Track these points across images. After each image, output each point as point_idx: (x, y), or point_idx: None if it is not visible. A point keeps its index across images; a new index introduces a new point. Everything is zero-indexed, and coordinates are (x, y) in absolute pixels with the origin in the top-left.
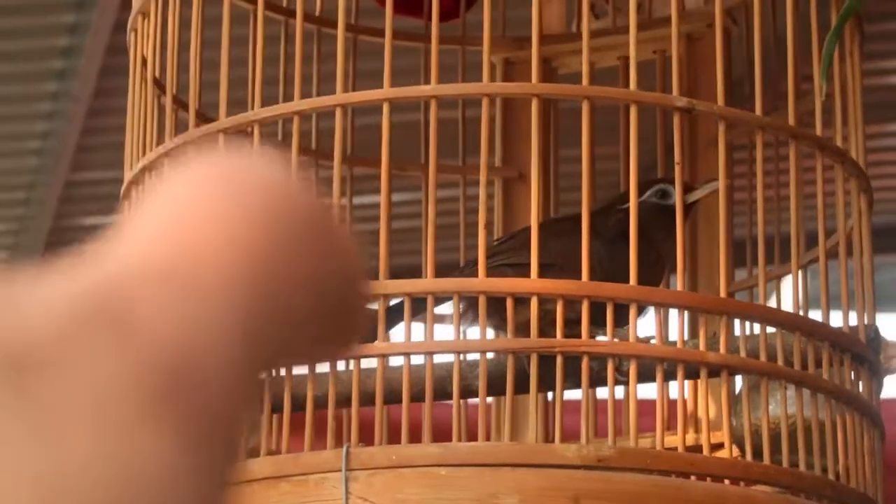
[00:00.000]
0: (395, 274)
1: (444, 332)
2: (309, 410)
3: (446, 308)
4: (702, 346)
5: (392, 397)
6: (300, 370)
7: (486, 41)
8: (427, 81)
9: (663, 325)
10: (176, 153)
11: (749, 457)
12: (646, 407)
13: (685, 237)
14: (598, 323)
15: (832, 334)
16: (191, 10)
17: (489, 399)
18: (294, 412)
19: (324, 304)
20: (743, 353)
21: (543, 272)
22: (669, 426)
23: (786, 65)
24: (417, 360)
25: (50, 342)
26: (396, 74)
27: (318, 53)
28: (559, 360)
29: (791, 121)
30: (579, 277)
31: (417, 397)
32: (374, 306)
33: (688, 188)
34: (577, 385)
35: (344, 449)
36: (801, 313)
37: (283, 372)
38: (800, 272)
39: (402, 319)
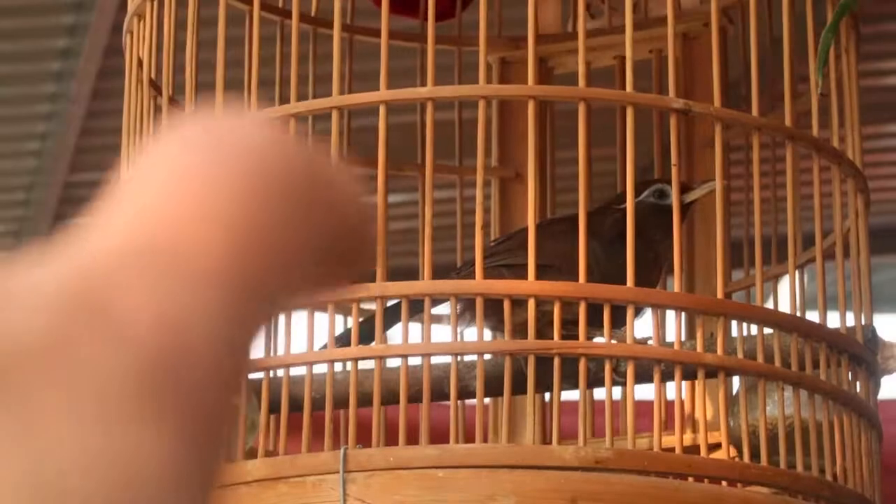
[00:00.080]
0: (392, 276)
1: (441, 334)
2: (306, 411)
3: (444, 309)
4: (699, 347)
5: (390, 398)
6: (298, 371)
7: (482, 42)
8: (423, 82)
9: (660, 326)
10: None
11: (746, 458)
12: (643, 408)
13: (682, 238)
14: (595, 324)
15: (829, 335)
16: (186, 12)
17: (486, 400)
18: (291, 413)
19: (325, 254)
20: (740, 354)
21: (540, 273)
22: (667, 427)
23: (782, 65)
24: (415, 361)
25: (35, 340)
26: (393, 75)
27: (314, 54)
28: (556, 361)
29: (788, 121)
30: (576, 278)
31: (415, 399)
32: (372, 306)
33: (685, 188)
34: (575, 386)
35: (342, 450)
36: (798, 314)
37: (280, 373)
38: (797, 273)
39: (398, 321)
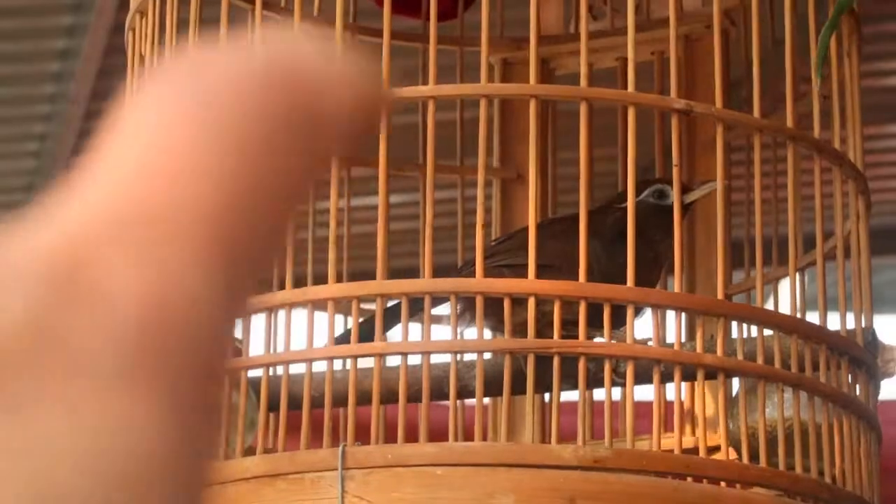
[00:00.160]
0: (392, 276)
1: (441, 333)
2: (305, 408)
3: (445, 310)
4: (699, 348)
5: (389, 397)
6: (298, 370)
7: (484, 41)
8: (425, 82)
9: (660, 326)
10: None
11: (745, 460)
12: (643, 409)
13: (682, 238)
14: (595, 325)
15: (830, 337)
16: (188, 10)
17: (486, 401)
18: (290, 411)
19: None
20: (740, 356)
21: (541, 273)
22: (666, 428)
23: (784, 66)
24: (414, 360)
25: (18, 322)
26: (394, 75)
27: None
28: (556, 360)
29: (789, 123)
30: (577, 278)
31: (414, 398)
32: (372, 306)
33: (685, 189)
34: (574, 387)
35: (340, 447)
36: (798, 316)
37: (280, 370)
38: (797, 274)
39: (399, 322)
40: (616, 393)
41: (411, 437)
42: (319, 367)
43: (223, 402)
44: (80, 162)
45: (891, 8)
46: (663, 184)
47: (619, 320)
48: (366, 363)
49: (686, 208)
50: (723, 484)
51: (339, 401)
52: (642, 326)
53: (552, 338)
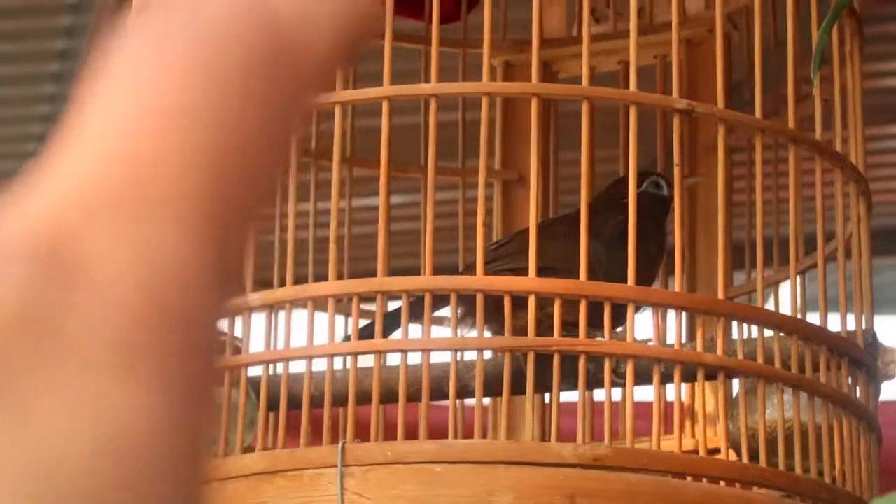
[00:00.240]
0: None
1: (441, 333)
2: (305, 405)
3: (446, 312)
4: (699, 348)
5: (389, 397)
6: (298, 369)
7: (486, 42)
8: (427, 83)
9: (661, 326)
10: None
11: (745, 460)
12: (642, 410)
13: (682, 238)
14: (596, 325)
15: (830, 338)
16: None
17: (486, 401)
18: (290, 411)
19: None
20: (740, 356)
21: (542, 276)
22: (666, 429)
23: (785, 69)
24: (415, 360)
25: (23, 303)
26: (396, 77)
27: None
28: (556, 358)
29: (791, 124)
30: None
31: (414, 397)
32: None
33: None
34: (574, 387)
35: (339, 445)
36: (799, 317)
37: (279, 369)
38: (798, 276)
39: (399, 326)
40: (616, 394)
41: (411, 437)
42: (319, 366)
43: (217, 389)
44: (64, 123)
45: (891, 9)
46: (657, 176)
47: (619, 320)
48: (366, 363)
49: (670, 200)
50: (722, 483)
51: (339, 400)
52: (642, 326)
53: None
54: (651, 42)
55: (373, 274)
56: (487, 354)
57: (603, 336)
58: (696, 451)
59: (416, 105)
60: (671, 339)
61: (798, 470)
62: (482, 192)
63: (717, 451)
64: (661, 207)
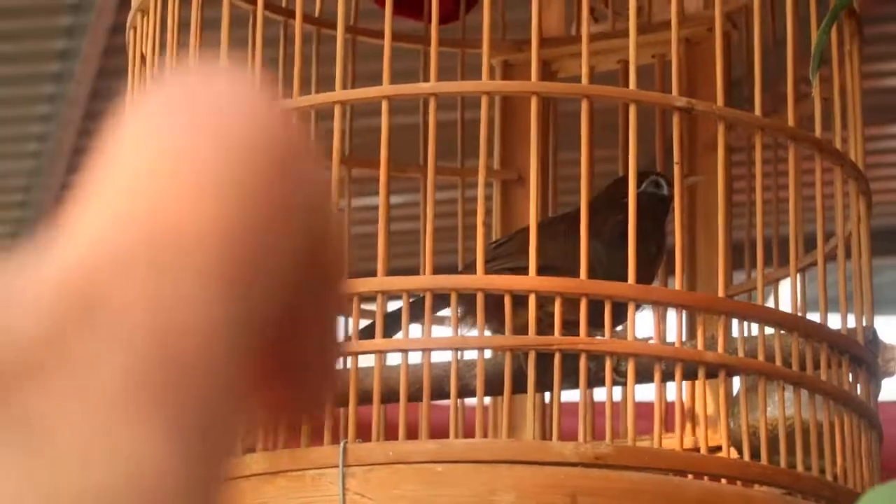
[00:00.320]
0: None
1: (442, 332)
2: None
3: (446, 312)
4: (700, 346)
5: (390, 396)
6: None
7: (485, 41)
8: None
9: (661, 324)
10: None
11: (746, 458)
12: (644, 410)
13: (683, 236)
14: (596, 325)
15: (830, 335)
16: (190, 10)
17: (486, 400)
18: None
19: (302, 240)
20: (741, 354)
21: (542, 275)
22: (667, 428)
23: (785, 67)
24: (415, 359)
25: (36, 344)
26: (395, 77)
27: (317, 55)
28: (557, 357)
29: (790, 121)
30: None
31: (415, 397)
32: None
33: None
34: (575, 385)
35: (341, 445)
36: (799, 314)
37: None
38: (798, 275)
39: (400, 328)
40: (617, 393)
41: (411, 436)
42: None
43: (235, 431)
44: (82, 176)
45: (891, 9)
46: (657, 175)
47: (619, 319)
48: (366, 362)
49: (670, 200)
50: (723, 481)
51: (340, 399)
52: (643, 325)
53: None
54: (650, 41)
55: (372, 274)
56: (488, 353)
57: (603, 335)
58: (697, 450)
59: (413, 105)
60: (672, 337)
61: (799, 467)
62: (482, 192)
63: (719, 448)
64: (662, 207)
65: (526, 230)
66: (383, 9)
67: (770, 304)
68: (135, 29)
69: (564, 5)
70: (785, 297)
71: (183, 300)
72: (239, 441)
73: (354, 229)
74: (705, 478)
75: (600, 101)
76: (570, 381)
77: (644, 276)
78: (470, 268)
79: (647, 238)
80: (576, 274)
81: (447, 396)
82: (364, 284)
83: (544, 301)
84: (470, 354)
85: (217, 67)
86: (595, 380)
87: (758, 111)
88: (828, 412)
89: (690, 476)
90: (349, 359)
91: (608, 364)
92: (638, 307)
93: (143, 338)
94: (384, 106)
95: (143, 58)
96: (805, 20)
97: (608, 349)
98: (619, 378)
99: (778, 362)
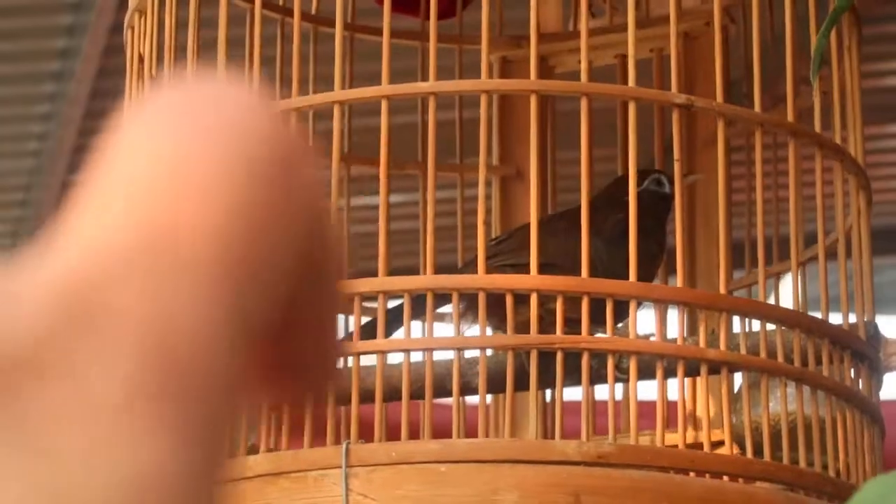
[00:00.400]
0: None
1: (443, 331)
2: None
3: (447, 309)
4: (701, 343)
5: (392, 395)
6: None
7: (484, 38)
8: (425, 81)
9: (663, 321)
10: None
11: (749, 455)
12: (645, 408)
13: (683, 234)
14: (597, 321)
15: (832, 331)
16: (188, 9)
17: (488, 399)
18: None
19: (300, 242)
20: (743, 350)
21: (543, 272)
22: (669, 424)
23: (783, 64)
24: (417, 358)
25: (37, 347)
26: (394, 75)
27: (315, 54)
28: (559, 355)
29: (790, 117)
30: (579, 276)
31: (417, 395)
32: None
33: (670, 181)
34: (577, 383)
35: (343, 445)
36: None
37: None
38: (799, 273)
39: (401, 325)
40: (618, 391)
41: (413, 435)
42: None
43: (231, 433)
44: (82, 175)
45: (891, 9)
46: (659, 173)
47: (621, 316)
48: (368, 361)
49: (672, 197)
50: (726, 478)
51: (342, 399)
52: (645, 322)
53: (554, 335)
54: (648, 35)
55: (372, 273)
56: (489, 351)
57: (605, 332)
58: (699, 444)
59: (411, 104)
60: (673, 334)
61: (802, 463)
62: (482, 191)
63: (721, 443)
64: (663, 205)
65: (526, 227)
66: (381, 6)
67: (771, 300)
68: (132, 29)
69: (561, 1)
70: (786, 296)
71: (182, 303)
72: (240, 441)
73: (354, 228)
74: (707, 475)
75: (599, 99)
76: (572, 378)
77: (644, 275)
78: (470, 266)
79: (648, 236)
80: (576, 272)
81: (449, 394)
82: (365, 284)
83: (545, 298)
84: (471, 352)
85: (214, 72)
86: (597, 377)
87: (757, 107)
88: (830, 408)
89: (692, 474)
90: (351, 359)
91: (610, 361)
92: (639, 305)
93: (143, 340)
94: (384, 106)
95: (140, 58)
96: (804, 19)
97: (610, 347)
98: (621, 375)
99: (780, 358)
